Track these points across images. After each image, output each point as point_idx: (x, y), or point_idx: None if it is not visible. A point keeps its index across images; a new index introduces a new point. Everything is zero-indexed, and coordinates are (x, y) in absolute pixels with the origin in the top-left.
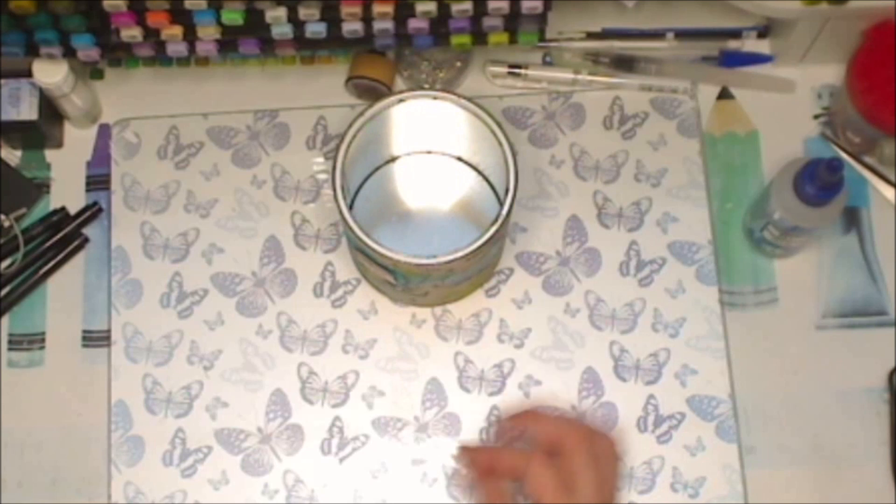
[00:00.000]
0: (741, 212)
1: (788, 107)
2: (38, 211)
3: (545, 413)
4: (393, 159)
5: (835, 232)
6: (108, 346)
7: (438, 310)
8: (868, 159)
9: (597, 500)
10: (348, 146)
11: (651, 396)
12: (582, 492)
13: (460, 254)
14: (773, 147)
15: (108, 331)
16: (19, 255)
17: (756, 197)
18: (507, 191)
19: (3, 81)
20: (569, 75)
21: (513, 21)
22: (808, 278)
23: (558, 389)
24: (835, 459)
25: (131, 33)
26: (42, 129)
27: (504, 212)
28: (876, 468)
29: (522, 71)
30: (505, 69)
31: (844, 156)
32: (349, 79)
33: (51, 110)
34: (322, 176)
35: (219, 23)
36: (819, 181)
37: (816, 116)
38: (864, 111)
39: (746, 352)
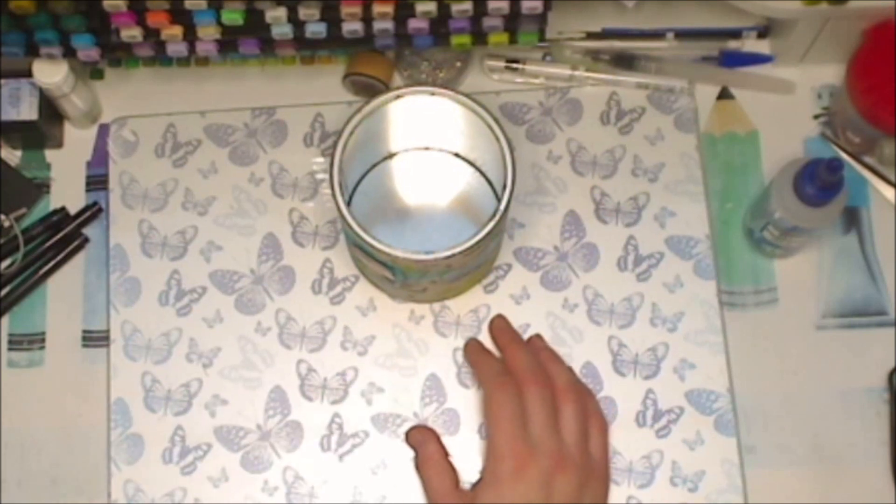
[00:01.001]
0: (741, 212)
1: (788, 107)
2: (38, 211)
3: (522, 348)
4: (391, 156)
5: (835, 232)
6: (108, 345)
7: (437, 306)
8: (868, 159)
9: (551, 443)
10: (346, 143)
11: (650, 391)
12: (533, 428)
13: (458, 249)
14: (773, 147)
15: (108, 330)
16: (19, 255)
17: (756, 197)
18: (504, 186)
19: (3, 81)
20: (566, 71)
21: (513, 21)
22: (808, 278)
23: None
24: (835, 459)
25: (131, 33)
26: (42, 129)
27: (502, 207)
28: (876, 468)
29: (520, 65)
30: (502, 63)
31: (844, 156)
32: (346, 75)
33: (51, 110)
34: (320, 174)
35: (219, 23)
36: (819, 181)
37: (816, 116)
38: (864, 111)
39: (746, 352)
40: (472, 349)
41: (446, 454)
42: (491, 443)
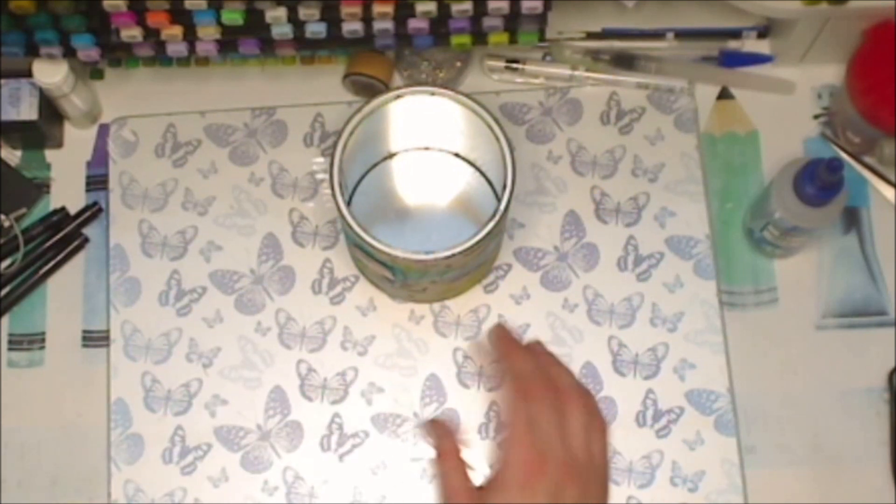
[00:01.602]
0: (741, 212)
1: (788, 107)
2: (38, 211)
3: (525, 353)
4: (391, 156)
5: (835, 232)
6: (108, 345)
7: (437, 306)
8: (868, 159)
9: (561, 452)
10: (346, 143)
11: (650, 391)
12: (542, 435)
13: (458, 249)
14: (773, 147)
15: (108, 330)
16: (19, 255)
17: (756, 197)
18: (504, 186)
19: (3, 81)
20: (566, 71)
21: (513, 21)
22: (808, 278)
23: None
24: (835, 459)
25: (131, 33)
26: (42, 129)
27: (501, 207)
28: (876, 468)
29: (520, 65)
30: (502, 63)
31: (844, 156)
32: (346, 75)
33: (51, 110)
34: (320, 174)
35: (219, 23)
36: (819, 181)
37: (816, 116)
38: (864, 111)
39: (746, 352)
40: (501, 339)
41: (462, 450)
42: (504, 447)
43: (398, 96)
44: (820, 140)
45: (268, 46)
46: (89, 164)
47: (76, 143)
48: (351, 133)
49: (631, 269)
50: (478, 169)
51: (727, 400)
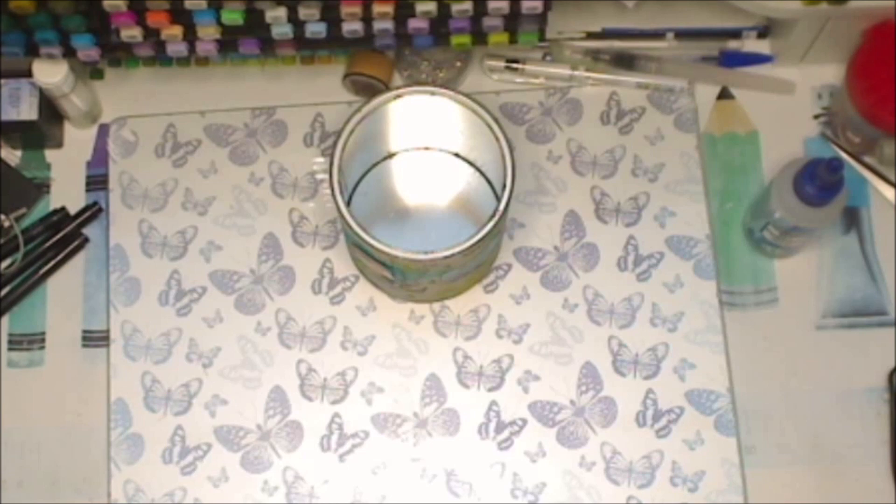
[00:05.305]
0: (741, 212)
1: (788, 107)
2: (38, 211)
3: None
4: (390, 155)
5: (835, 232)
6: (108, 345)
7: (437, 306)
8: (868, 159)
9: None
10: (345, 142)
11: (650, 391)
12: None
13: (457, 249)
14: (773, 147)
15: (108, 330)
16: (19, 255)
17: (756, 197)
18: (504, 186)
19: (3, 81)
20: (566, 71)
21: (513, 21)
22: (808, 278)
23: (557, 384)
24: (835, 459)
25: (131, 33)
26: (42, 129)
27: (501, 207)
28: (876, 468)
29: (520, 65)
30: (502, 63)
31: (844, 156)
32: (346, 75)
33: (51, 110)
34: (320, 174)
35: (219, 23)
36: (819, 181)
37: (816, 116)
38: (864, 111)
39: (746, 352)
40: None
41: None
42: None
43: (398, 96)
44: (820, 140)
45: (268, 46)
46: (89, 164)
47: (76, 143)
48: (351, 133)
49: (631, 269)
50: (478, 169)
51: (727, 400)
